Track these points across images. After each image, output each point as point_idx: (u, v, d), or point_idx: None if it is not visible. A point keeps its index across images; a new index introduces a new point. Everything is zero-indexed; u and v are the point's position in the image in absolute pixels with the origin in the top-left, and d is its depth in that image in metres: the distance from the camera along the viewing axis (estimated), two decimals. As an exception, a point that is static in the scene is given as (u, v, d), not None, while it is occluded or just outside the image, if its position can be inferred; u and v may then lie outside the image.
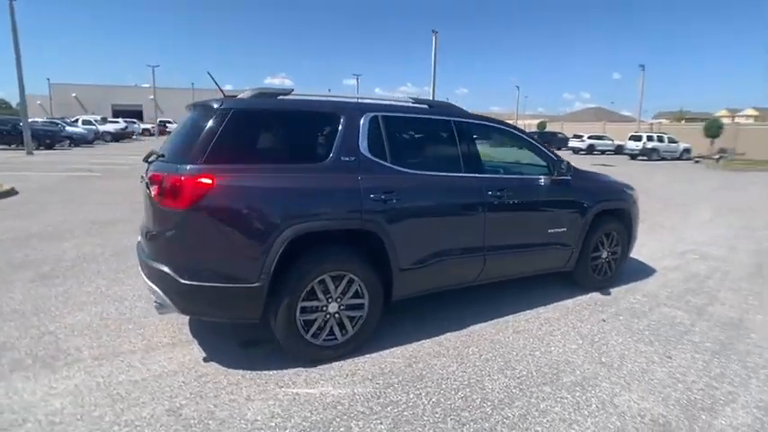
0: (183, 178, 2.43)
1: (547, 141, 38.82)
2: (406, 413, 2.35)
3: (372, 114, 3.00)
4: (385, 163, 2.95)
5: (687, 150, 28.72)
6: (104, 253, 5.03)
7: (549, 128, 46.84)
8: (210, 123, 2.57)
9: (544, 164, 3.82)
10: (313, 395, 2.49)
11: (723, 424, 2.31)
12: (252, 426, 2.22)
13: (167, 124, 41.91)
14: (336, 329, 2.85)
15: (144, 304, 3.65)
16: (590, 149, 33.04)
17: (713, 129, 29.25)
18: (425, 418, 2.31)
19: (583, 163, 20.74)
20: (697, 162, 26.67)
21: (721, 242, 6.29)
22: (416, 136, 3.35)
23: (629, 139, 29.03)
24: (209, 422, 2.23)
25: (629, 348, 3.11)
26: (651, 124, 40.49)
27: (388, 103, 3.28)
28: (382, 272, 2.94)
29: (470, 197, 3.28)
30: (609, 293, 4.16)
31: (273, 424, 2.24)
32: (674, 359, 2.96)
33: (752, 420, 2.34)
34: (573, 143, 34.30)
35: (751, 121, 53.10)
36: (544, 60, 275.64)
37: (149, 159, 2.97)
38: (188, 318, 3.39)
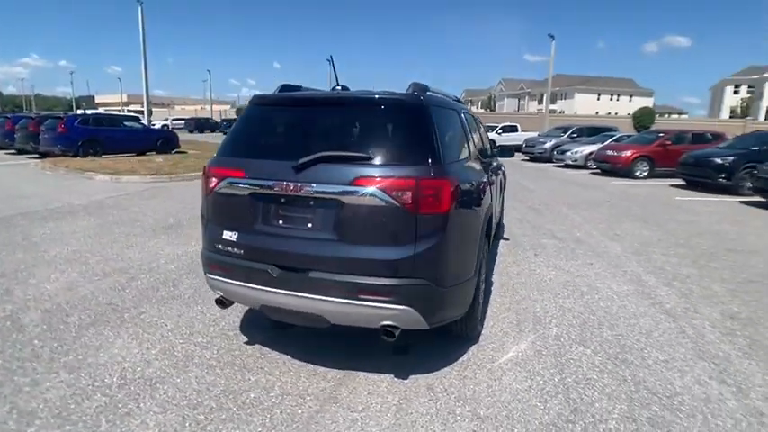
0: (442, 181, 2.26)
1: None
2: (592, 335, 3.18)
3: (463, 109, 3.37)
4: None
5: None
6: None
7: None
8: (422, 119, 2.40)
9: (488, 147, 5.05)
10: (521, 356, 2.91)
11: (653, 283, 4.33)
12: (539, 391, 2.52)
13: None
14: (480, 302, 3.22)
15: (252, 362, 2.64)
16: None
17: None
18: (605, 331, 3.22)
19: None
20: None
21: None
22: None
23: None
24: (515, 413, 2.38)
25: (574, 264, 4.87)
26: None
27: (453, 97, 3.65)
28: None
29: (489, 179, 4.11)
30: (508, 239, 5.92)
31: (551, 377, 2.62)
32: (595, 264, 4.91)
33: (659, 279, 4.48)
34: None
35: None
36: (209, 48, 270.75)
37: (301, 164, 2.32)
38: (293, 355, 2.81)
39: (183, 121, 42.38)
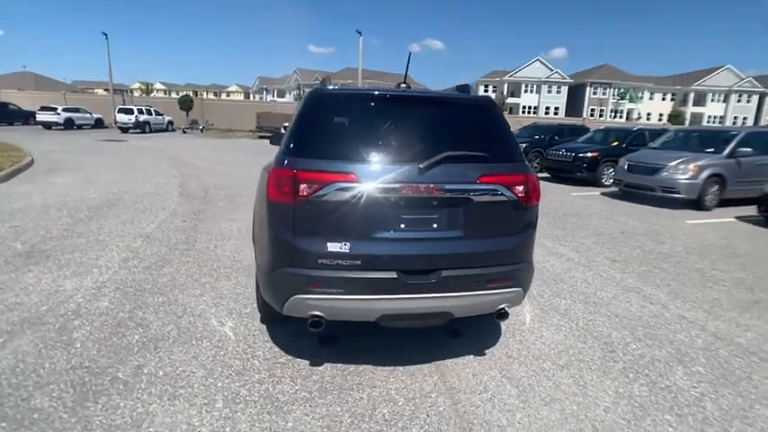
0: (534, 176, 2.60)
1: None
2: (558, 289, 4.00)
3: None
4: None
5: (171, 122, 31.95)
6: None
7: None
8: (498, 119, 2.67)
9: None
10: (537, 316, 3.54)
11: (552, 244, 5.64)
12: (574, 337, 3.19)
13: None
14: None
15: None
16: (69, 124, 29.10)
17: (186, 102, 34.02)
18: (561, 285, 4.09)
19: (83, 140, 18.98)
20: (185, 132, 30.83)
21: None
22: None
23: (119, 111, 28.50)
24: (578, 355, 2.98)
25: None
26: (123, 92, 40.07)
27: None
28: None
29: None
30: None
31: (570, 325, 3.30)
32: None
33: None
34: (44, 116, 28.64)
35: (175, 95, 63.62)
36: None
37: (429, 164, 2.33)
38: (372, 363, 2.77)
39: None
